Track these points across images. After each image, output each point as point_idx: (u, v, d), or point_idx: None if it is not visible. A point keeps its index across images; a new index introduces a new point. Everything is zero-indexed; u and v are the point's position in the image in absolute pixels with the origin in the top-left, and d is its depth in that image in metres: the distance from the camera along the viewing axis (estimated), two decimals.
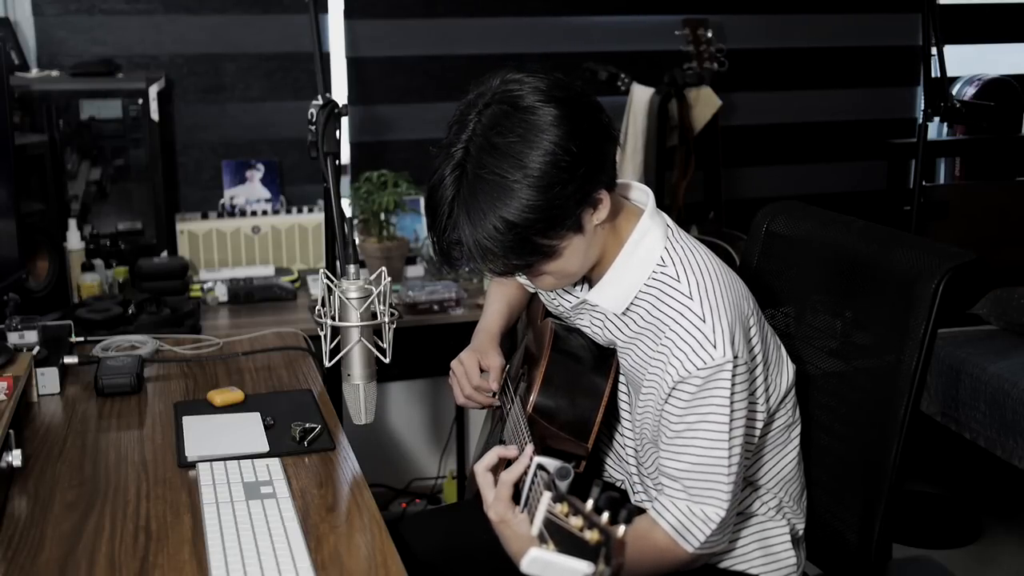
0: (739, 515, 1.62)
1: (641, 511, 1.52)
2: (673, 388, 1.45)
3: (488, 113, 1.41)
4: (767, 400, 1.56)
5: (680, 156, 3.18)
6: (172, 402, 1.84)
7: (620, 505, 0.92)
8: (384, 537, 1.39)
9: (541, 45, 3.29)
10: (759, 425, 1.57)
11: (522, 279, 1.86)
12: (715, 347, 1.43)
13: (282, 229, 2.98)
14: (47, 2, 2.89)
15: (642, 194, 1.59)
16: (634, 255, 1.52)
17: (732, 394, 1.44)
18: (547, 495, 0.98)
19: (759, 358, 1.53)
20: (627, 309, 1.54)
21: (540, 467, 1.25)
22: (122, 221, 2.83)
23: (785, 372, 1.61)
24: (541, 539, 0.96)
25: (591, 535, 0.91)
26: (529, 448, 1.43)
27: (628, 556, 1.43)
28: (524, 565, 0.92)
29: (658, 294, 1.50)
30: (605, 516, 0.92)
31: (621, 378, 1.63)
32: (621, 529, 0.90)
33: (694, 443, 1.46)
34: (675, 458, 1.48)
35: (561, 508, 0.96)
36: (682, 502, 1.48)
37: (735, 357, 1.43)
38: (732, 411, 1.45)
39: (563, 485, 1.16)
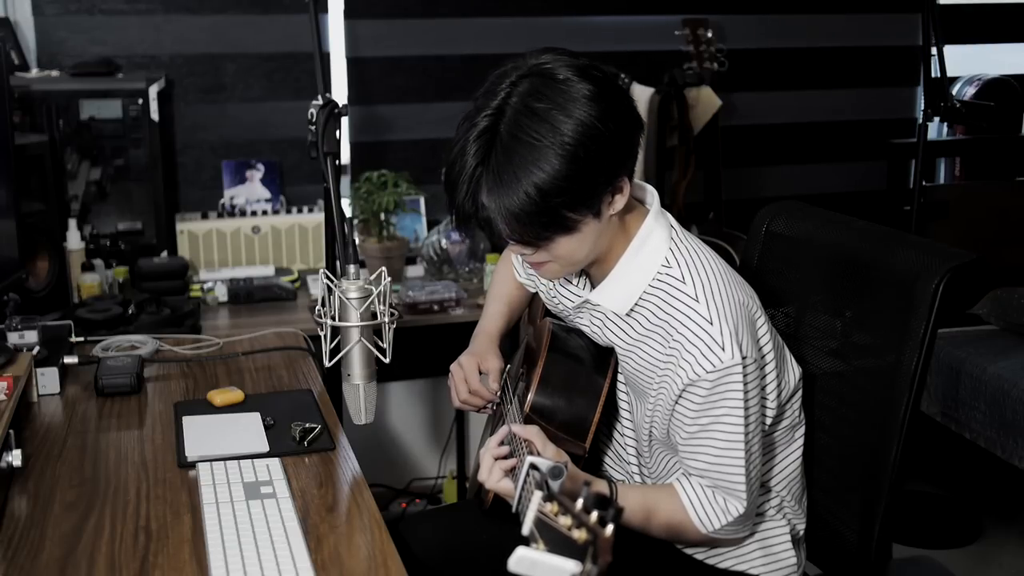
0: None
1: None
2: (683, 391, 1.46)
3: (525, 83, 1.42)
4: (778, 395, 1.57)
5: (680, 156, 3.18)
6: (172, 402, 1.84)
7: (609, 504, 0.92)
8: (384, 537, 1.39)
9: (541, 45, 3.27)
10: (769, 420, 1.57)
11: (522, 278, 1.85)
12: (723, 349, 1.43)
13: (282, 229, 2.98)
14: (47, 2, 2.89)
15: (648, 194, 1.60)
16: (639, 255, 1.52)
17: (745, 393, 1.45)
18: (538, 494, 0.98)
19: (769, 355, 1.53)
20: (631, 310, 1.54)
21: (533, 467, 1.25)
22: (122, 221, 2.83)
23: (791, 371, 1.61)
24: (532, 538, 0.96)
25: (579, 534, 0.92)
26: (515, 426, 1.45)
27: (652, 510, 1.48)
28: (512, 564, 0.92)
29: (663, 296, 1.51)
30: (594, 515, 0.92)
31: (621, 378, 1.63)
32: (609, 529, 0.90)
33: (710, 443, 1.47)
34: (693, 458, 1.50)
35: (551, 507, 0.96)
36: (709, 488, 1.50)
37: (743, 358, 1.44)
38: (747, 410, 1.46)
39: (555, 485, 1.16)
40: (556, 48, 1.48)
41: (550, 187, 1.38)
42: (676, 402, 1.48)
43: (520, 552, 0.92)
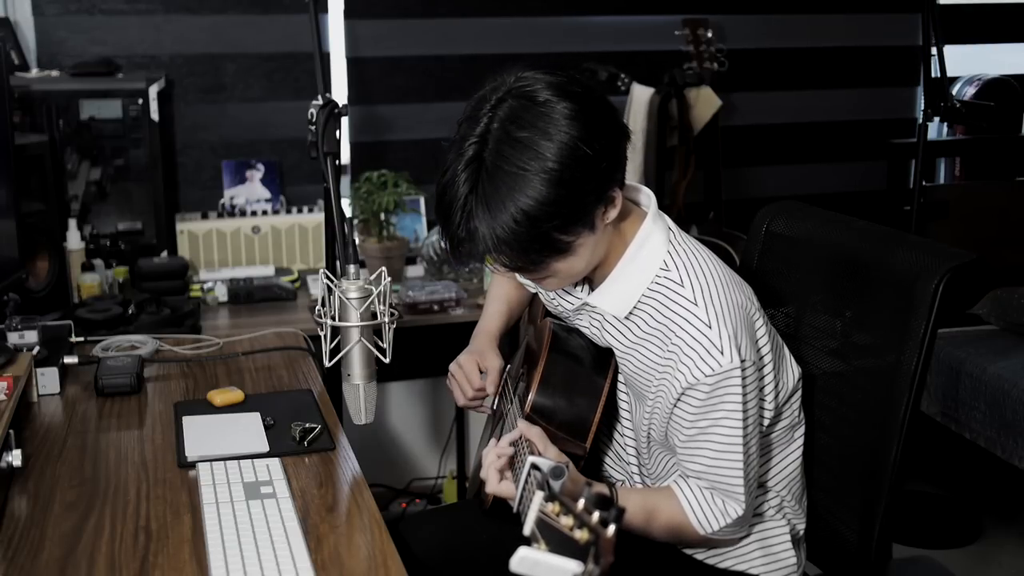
0: None
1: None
2: (682, 394, 1.46)
3: (505, 107, 1.40)
4: (775, 397, 1.57)
5: (680, 156, 3.18)
6: (172, 402, 1.84)
7: (610, 504, 0.92)
8: (384, 537, 1.39)
9: (541, 45, 3.29)
10: (766, 422, 1.57)
11: (522, 278, 1.85)
12: (722, 353, 1.43)
13: (282, 229, 2.98)
14: (47, 2, 2.89)
15: (645, 196, 1.59)
16: (637, 258, 1.52)
17: (744, 396, 1.45)
18: (539, 494, 0.98)
19: (767, 357, 1.53)
20: (629, 314, 1.54)
21: (534, 467, 1.25)
22: (122, 221, 2.83)
23: (790, 371, 1.61)
24: (533, 538, 0.96)
25: (581, 534, 0.92)
26: (522, 424, 1.46)
27: (653, 511, 1.49)
28: (513, 564, 0.92)
29: (662, 299, 1.50)
30: (596, 515, 0.92)
31: (620, 378, 1.63)
32: (611, 529, 0.90)
33: (708, 446, 1.47)
34: (691, 460, 1.50)
35: (553, 507, 0.96)
36: (707, 490, 1.50)
37: (742, 361, 1.44)
38: (745, 413, 1.46)
39: (556, 485, 1.16)
40: (533, 66, 1.46)
41: (539, 213, 1.37)
42: (674, 405, 1.48)
43: (522, 552, 0.92)
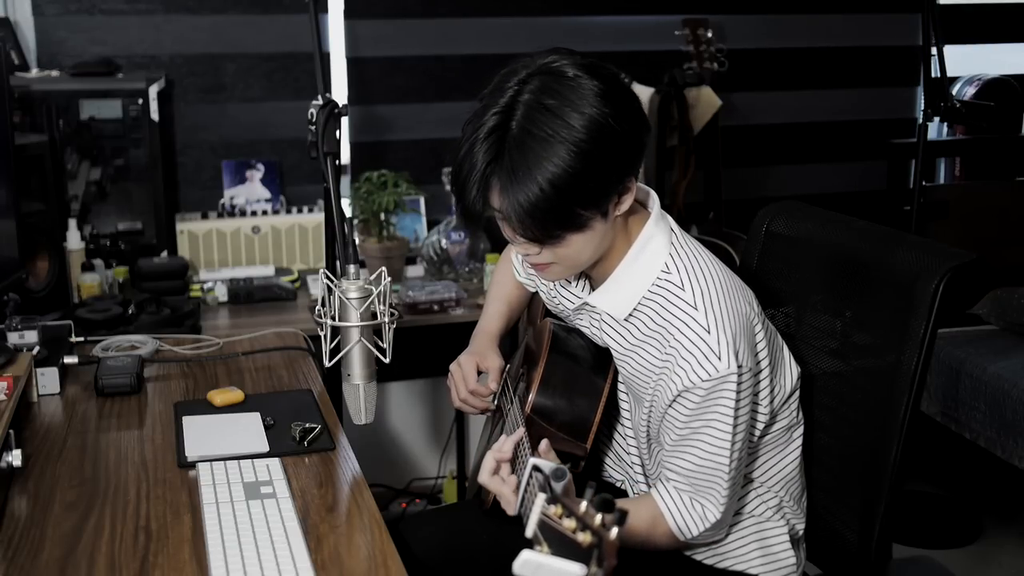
0: (738, 514, 1.63)
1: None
2: (677, 396, 1.46)
3: (535, 81, 1.41)
4: (771, 402, 1.56)
5: (680, 156, 3.18)
6: (172, 402, 1.84)
7: (613, 507, 0.92)
8: (384, 537, 1.39)
9: (541, 45, 3.21)
10: (760, 426, 1.57)
11: (522, 278, 1.85)
12: (719, 359, 1.43)
13: (282, 229, 2.98)
14: (47, 2, 2.89)
15: (650, 198, 1.59)
16: (639, 259, 1.52)
17: (737, 403, 1.44)
18: (541, 497, 0.98)
19: (764, 363, 1.53)
20: (629, 316, 1.54)
21: (536, 468, 1.25)
22: (122, 221, 2.83)
23: (789, 374, 1.61)
24: (535, 541, 0.96)
25: (584, 537, 0.92)
26: (520, 430, 1.45)
27: (655, 517, 1.48)
28: (516, 567, 0.92)
29: (662, 302, 1.50)
30: (598, 518, 0.92)
31: (620, 379, 1.63)
32: (614, 532, 0.90)
33: (697, 446, 1.47)
34: (679, 458, 1.49)
35: (555, 510, 0.96)
36: (686, 494, 1.50)
37: (739, 367, 1.43)
38: (736, 418, 1.45)
39: (558, 487, 1.16)
40: (561, 48, 1.47)
41: (564, 182, 1.37)
42: (669, 406, 1.47)
43: (525, 555, 0.92)
